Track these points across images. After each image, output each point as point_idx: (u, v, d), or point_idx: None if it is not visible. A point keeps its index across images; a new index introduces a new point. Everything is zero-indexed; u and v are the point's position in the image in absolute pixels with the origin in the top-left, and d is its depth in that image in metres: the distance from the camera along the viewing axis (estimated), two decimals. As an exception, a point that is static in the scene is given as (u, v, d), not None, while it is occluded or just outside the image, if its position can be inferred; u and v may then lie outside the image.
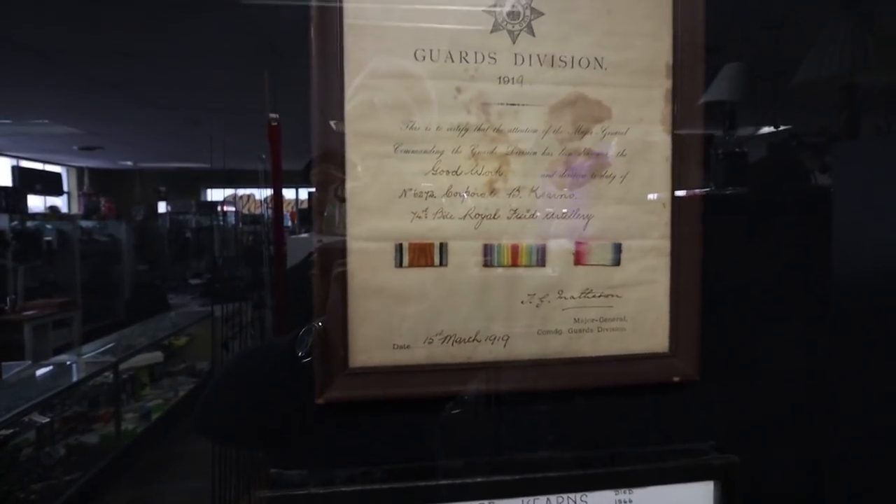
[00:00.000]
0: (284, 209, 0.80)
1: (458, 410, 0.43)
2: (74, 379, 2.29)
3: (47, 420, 2.24)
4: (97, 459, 2.22)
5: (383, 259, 0.42)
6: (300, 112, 0.41)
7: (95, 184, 5.82)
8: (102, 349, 2.75)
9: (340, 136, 0.41)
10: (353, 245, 0.42)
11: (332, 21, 0.40)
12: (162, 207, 5.72)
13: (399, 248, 0.42)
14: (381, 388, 0.42)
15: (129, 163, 5.55)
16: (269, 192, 0.86)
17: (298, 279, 0.62)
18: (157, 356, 3.23)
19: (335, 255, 0.42)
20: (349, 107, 0.41)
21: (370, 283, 0.42)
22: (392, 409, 0.42)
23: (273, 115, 0.66)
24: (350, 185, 0.41)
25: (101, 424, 2.50)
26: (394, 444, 0.43)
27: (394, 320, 0.42)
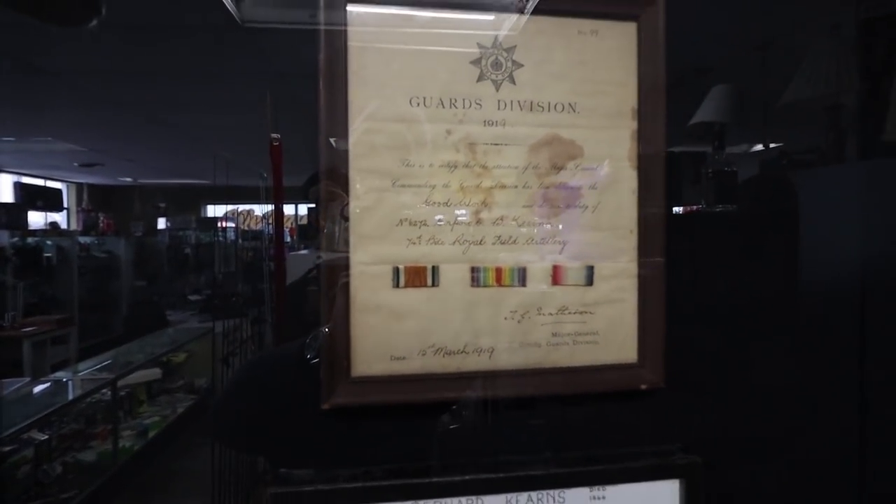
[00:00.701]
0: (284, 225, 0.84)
1: (454, 426, 0.48)
2: (72, 396, 2.31)
3: (45, 437, 2.25)
4: (95, 477, 2.23)
5: (382, 280, 0.48)
6: (299, 129, 0.47)
7: (95, 200, 5.87)
8: (100, 366, 2.76)
9: (346, 171, 0.47)
10: (355, 269, 0.47)
11: (338, 72, 0.47)
12: (161, 223, 5.77)
13: (396, 270, 0.48)
14: (381, 395, 0.47)
15: (129, 179, 5.61)
16: (268, 207, 0.88)
17: (299, 294, 0.67)
18: (155, 373, 3.24)
19: (339, 272, 0.47)
20: (353, 147, 0.47)
21: (371, 301, 0.48)
22: (390, 414, 0.48)
23: (275, 136, 0.71)
24: (353, 215, 0.47)
25: (99, 442, 2.51)
26: (392, 445, 0.48)
27: (391, 335, 0.48)
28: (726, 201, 0.78)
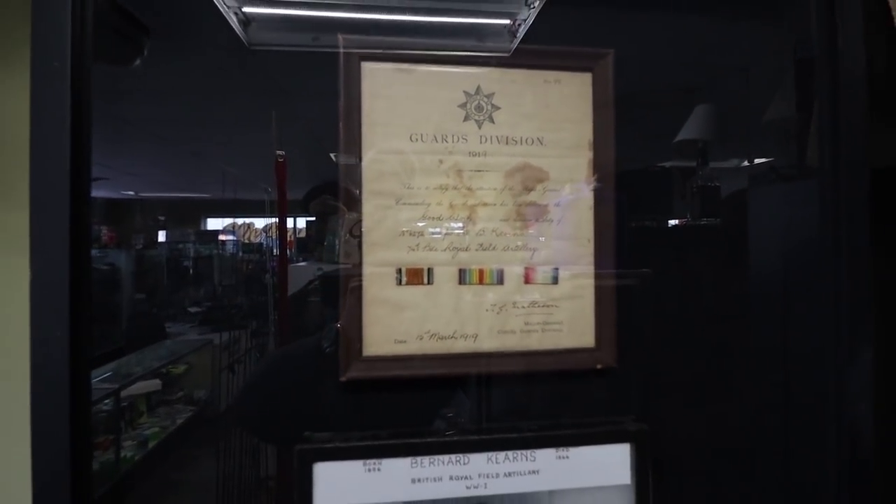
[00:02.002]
0: (270, 254, 0.90)
1: (451, 432, 0.59)
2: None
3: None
4: (97, 486, 2.30)
5: (388, 279, 0.60)
6: (300, 144, 0.57)
7: (98, 213, 5.99)
8: (102, 377, 2.84)
9: (359, 194, 0.59)
10: (367, 270, 0.59)
11: (354, 115, 0.59)
12: (162, 236, 5.88)
13: (399, 271, 0.60)
14: (386, 371, 0.59)
15: (132, 192, 5.74)
16: (267, 221, 0.91)
17: (300, 304, 0.77)
18: (155, 384, 3.32)
19: (352, 276, 0.59)
20: (365, 174, 0.59)
21: (378, 296, 0.59)
22: (393, 387, 0.59)
23: (279, 152, 0.82)
24: (365, 227, 0.59)
25: (101, 452, 2.57)
26: (394, 411, 0.60)
27: (395, 323, 0.59)
28: (711, 214, 0.89)
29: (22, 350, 0.58)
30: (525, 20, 0.72)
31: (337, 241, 0.63)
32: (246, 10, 0.69)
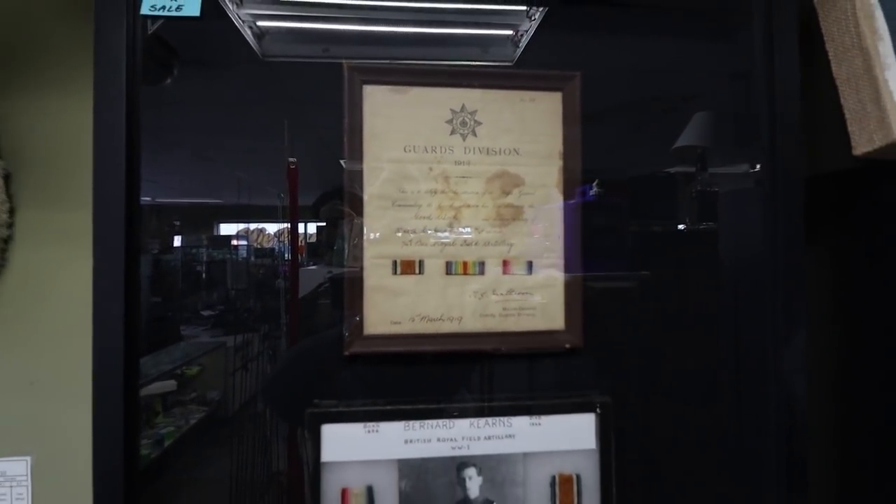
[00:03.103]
0: (283, 258, 0.92)
1: (456, 413, 0.67)
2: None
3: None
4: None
5: (386, 270, 0.70)
6: (311, 150, 0.67)
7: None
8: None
9: (361, 196, 0.69)
10: (367, 262, 0.70)
11: (356, 130, 0.70)
12: (177, 241, 6.04)
13: (395, 263, 0.70)
14: (383, 347, 0.69)
15: (149, 198, 5.91)
16: (279, 226, 0.90)
17: (311, 306, 0.84)
18: (171, 384, 3.45)
19: (357, 271, 0.69)
20: (366, 180, 0.70)
21: (377, 284, 0.70)
22: (389, 361, 0.69)
23: (291, 159, 0.90)
24: (366, 225, 0.70)
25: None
26: (391, 381, 0.70)
27: (391, 306, 0.70)
28: (709, 219, 0.97)
29: (80, 328, 0.69)
30: (527, 31, 0.82)
31: (346, 246, 0.73)
32: (260, 23, 0.79)
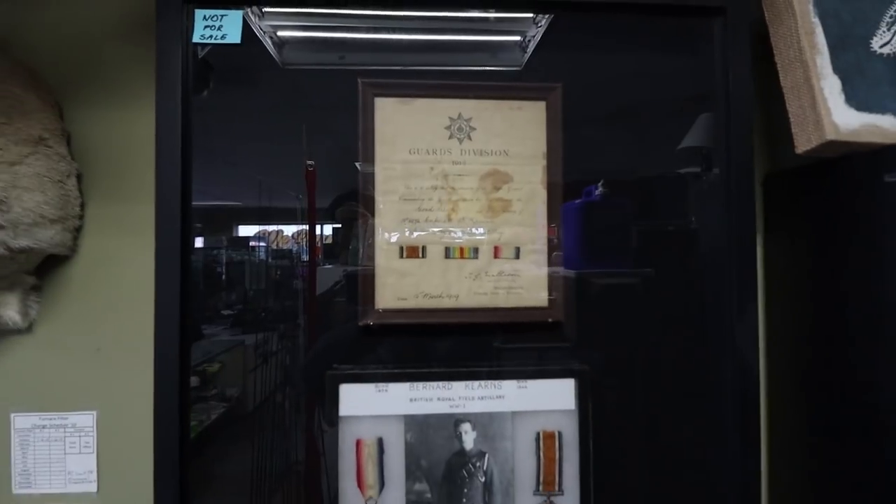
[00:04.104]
0: (300, 255, 0.96)
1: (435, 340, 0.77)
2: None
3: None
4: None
5: (394, 254, 0.82)
6: (329, 154, 0.78)
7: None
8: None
9: (373, 194, 0.82)
10: (378, 247, 0.82)
11: (369, 136, 0.82)
12: (199, 242, 6.24)
13: (401, 248, 0.82)
14: (392, 319, 0.81)
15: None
16: (296, 228, 0.94)
17: (327, 303, 0.92)
18: (193, 381, 3.63)
19: (370, 261, 0.82)
20: (377, 178, 0.82)
21: (387, 266, 0.82)
22: (397, 332, 0.82)
23: (309, 162, 0.87)
24: (377, 217, 0.82)
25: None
26: (398, 349, 0.82)
27: (398, 285, 0.82)
28: (680, 210, 1.04)
29: (137, 304, 0.82)
30: (534, 37, 0.92)
31: (360, 245, 0.85)
32: (280, 33, 0.87)
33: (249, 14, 0.82)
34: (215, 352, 0.98)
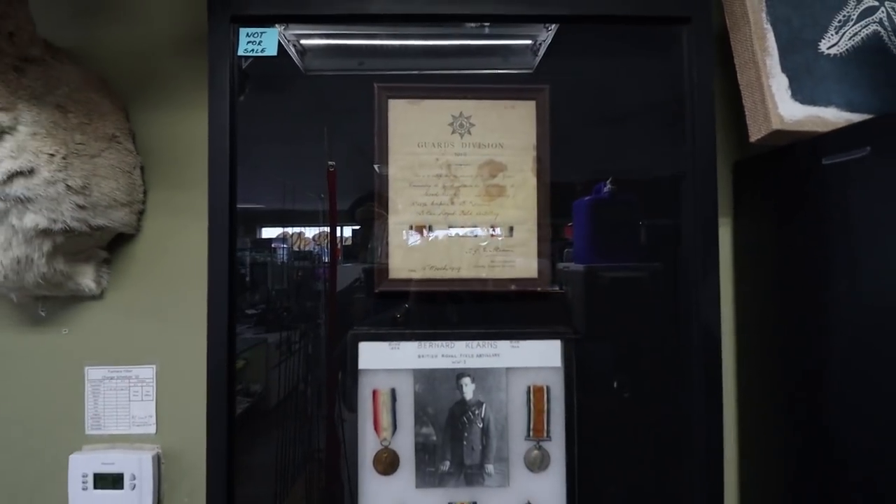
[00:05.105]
0: (322, 252, 1.02)
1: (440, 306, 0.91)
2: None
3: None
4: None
5: (403, 232, 0.96)
6: (347, 158, 0.93)
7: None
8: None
9: (387, 181, 0.96)
10: (391, 227, 0.96)
11: (383, 132, 0.96)
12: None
13: (410, 227, 0.96)
14: (403, 287, 0.95)
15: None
16: (316, 231, 1.00)
17: (347, 298, 0.97)
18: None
19: (387, 258, 0.96)
20: (391, 167, 0.96)
21: (397, 243, 0.96)
22: (407, 298, 0.96)
23: (331, 163, 0.96)
24: (390, 200, 0.96)
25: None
26: (408, 312, 0.96)
27: (408, 258, 0.96)
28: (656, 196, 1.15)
29: (191, 274, 0.97)
30: (544, 41, 1.04)
31: (379, 244, 0.98)
32: (303, 42, 0.98)
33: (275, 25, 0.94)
34: (239, 349, 0.99)
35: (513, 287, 0.97)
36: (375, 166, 0.96)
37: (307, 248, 1.02)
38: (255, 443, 0.98)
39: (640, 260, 1.01)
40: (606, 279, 1.00)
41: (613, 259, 1.01)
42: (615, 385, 0.99)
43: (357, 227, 1.00)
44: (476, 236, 0.97)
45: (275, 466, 0.98)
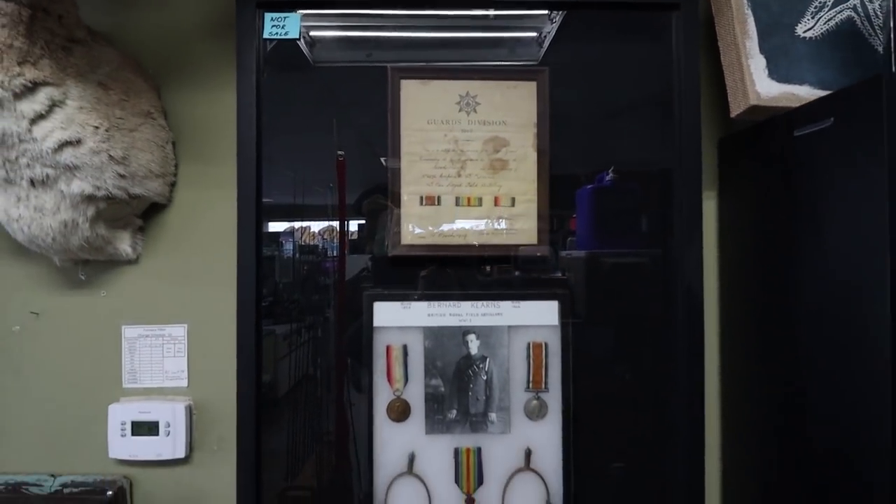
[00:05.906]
0: (332, 238, 1.07)
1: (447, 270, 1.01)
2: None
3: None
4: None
5: (415, 202, 1.05)
6: (356, 150, 1.02)
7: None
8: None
9: (398, 169, 1.05)
10: (404, 197, 1.05)
11: (396, 110, 1.05)
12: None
13: (421, 198, 1.05)
14: (415, 251, 1.04)
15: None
16: (322, 224, 1.05)
17: (355, 288, 1.06)
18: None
19: (394, 248, 1.05)
20: (402, 141, 1.05)
21: (410, 211, 1.05)
22: (418, 262, 1.05)
23: (340, 152, 1.03)
24: (403, 172, 1.05)
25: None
26: (418, 275, 1.05)
27: (419, 225, 1.05)
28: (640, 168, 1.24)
29: (220, 241, 1.06)
30: (549, 33, 1.12)
31: (385, 235, 1.07)
32: (312, 33, 1.06)
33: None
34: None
35: (517, 251, 1.06)
36: (382, 160, 1.04)
37: (313, 243, 1.09)
38: (279, 397, 1.07)
39: (634, 235, 1.10)
40: (603, 254, 1.09)
41: (610, 234, 1.10)
42: (607, 342, 1.08)
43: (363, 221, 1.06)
44: (481, 206, 1.06)
45: (296, 417, 1.06)
